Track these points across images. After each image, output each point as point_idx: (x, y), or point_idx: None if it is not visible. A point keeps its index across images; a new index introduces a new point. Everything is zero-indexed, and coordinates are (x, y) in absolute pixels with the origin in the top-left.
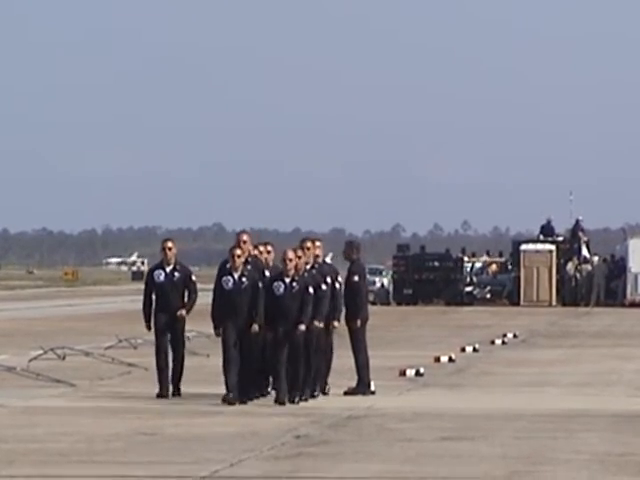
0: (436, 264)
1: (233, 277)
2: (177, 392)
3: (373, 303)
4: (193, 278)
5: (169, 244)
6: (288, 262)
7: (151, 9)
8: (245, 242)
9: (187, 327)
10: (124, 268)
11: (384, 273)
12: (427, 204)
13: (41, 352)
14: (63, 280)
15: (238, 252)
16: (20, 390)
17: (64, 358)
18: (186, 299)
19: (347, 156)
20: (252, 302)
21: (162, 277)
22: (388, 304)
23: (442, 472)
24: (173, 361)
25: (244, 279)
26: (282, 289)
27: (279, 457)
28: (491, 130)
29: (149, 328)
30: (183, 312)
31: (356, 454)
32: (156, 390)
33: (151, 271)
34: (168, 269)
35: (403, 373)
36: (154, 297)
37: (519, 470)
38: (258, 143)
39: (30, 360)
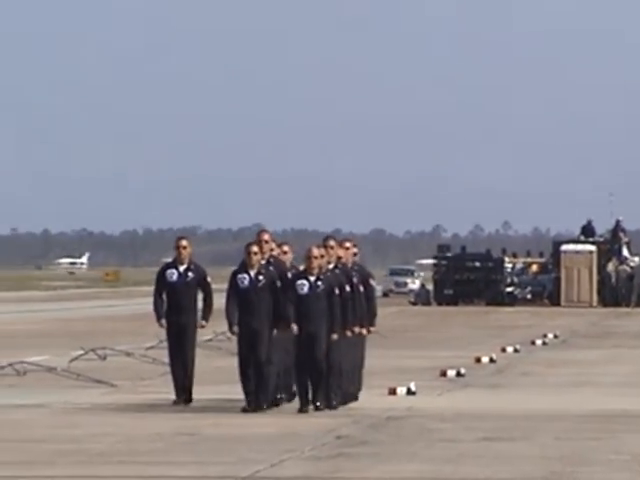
0: (477, 264)
1: (249, 275)
2: (188, 399)
3: (414, 303)
4: (208, 279)
5: (183, 242)
6: (313, 260)
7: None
8: (267, 242)
9: (225, 328)
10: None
11: (415, 274)
12: (468, 204)
13: (82, 352)
14: (104, 281)
15: (254, 249)
16: (61, 390)
17: (105, 358)
18: (200, 302)
19: (388, 156)
20: (270, 302)
21: (175, 277)
22: (429, 304)
23: (482, 472)
24: (183, 367)
25: (261, 277)
26: (306, 288)
27: (320, 457)
28: (532, 130)
29: (162, 325)
30: (203, 323)
31: (396, 454)
32: (173, 397)
33: (163, 270)
34: (181, 269)
35: (444, 374)
36: (165, 297)
37: (559, 471)
38: (297, 143)
39: (71, 360)
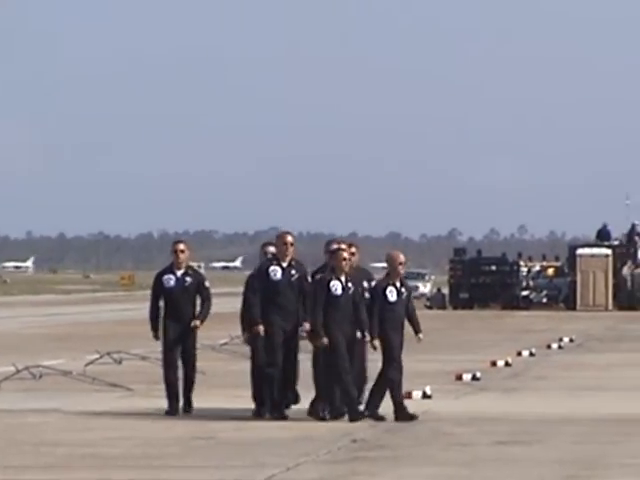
0: (492, 268)
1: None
2: (188, 407)
3: (429, 307)
4: (206, 284)
5: (181, 246)
6: (347, 261)
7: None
8: (292, 244)
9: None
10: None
11: (427, 278)
12: (484, 208)
13: (97, 356)
14: (119, 284)
15: (289, 239)
16: (76, 394)
17: (120, 362)
18: (198, 307)
19: (404, 161)
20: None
21: (172, 282)
22: (444, 308)
23: (497, 476)
24: (184, 375)
25: (293, 272)
26: (340, 289)
27: (335, 461)
28: (548, 134)
29: (157, 337)
30: (197, 322)
31: (412, 458)
32: (165, 407)
33: (159, 275)
34: (179, 274)
35: (459, 377)
36: (162, 304)
37: (574, 475)
38: (314, 148)
39: (86, 364)
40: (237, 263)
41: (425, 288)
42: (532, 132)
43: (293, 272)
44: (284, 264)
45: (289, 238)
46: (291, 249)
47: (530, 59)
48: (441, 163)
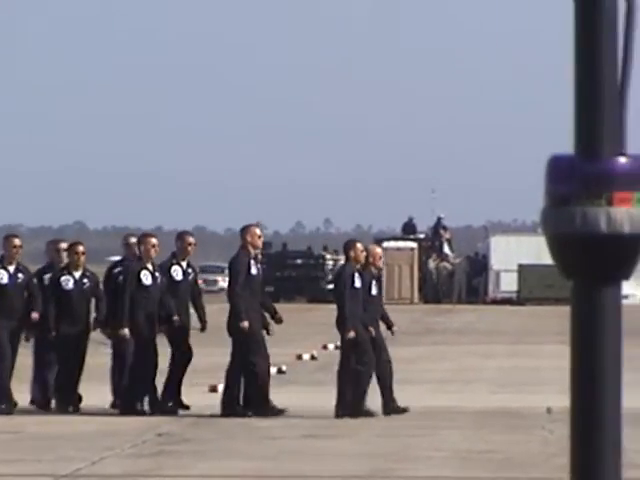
0: (298, 261)
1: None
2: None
3: None
4: (34, 281)
5: (17, 241)
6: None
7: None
8: (84, 253)
9: None
10: None
11: (226, 272)
12: (289, 202)
13: None
14: None
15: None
16: None
17: None
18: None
19: (208, 154)
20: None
21: (5, 278)
22: None
23: (304, 470)
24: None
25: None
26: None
27: (140, 455)
28: (353, 127)
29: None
30: (36, 315)
31: (218, 452)
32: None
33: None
34: (11, 269)
35: None
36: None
37: (381, 467)
38: (119, 138)
39: None
40: None
41: (225, 282)
42: (337, 126)
43: (85, 280)
44: (76, 273)
45: (80, 248)
46: (83, 258)
47: (327, 55)
48: (244, 156)
